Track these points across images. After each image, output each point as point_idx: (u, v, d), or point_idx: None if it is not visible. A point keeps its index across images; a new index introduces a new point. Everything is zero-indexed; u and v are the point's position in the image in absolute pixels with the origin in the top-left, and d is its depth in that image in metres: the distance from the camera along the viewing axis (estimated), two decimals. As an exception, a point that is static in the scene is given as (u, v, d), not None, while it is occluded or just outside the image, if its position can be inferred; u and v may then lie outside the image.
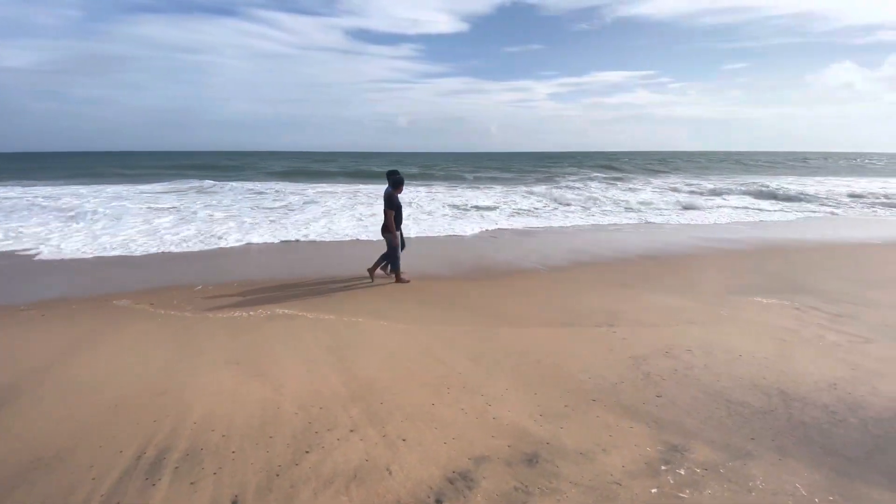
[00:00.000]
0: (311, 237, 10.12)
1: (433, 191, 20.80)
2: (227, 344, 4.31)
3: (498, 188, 22.53)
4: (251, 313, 5.18)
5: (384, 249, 6.79)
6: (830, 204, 16.89)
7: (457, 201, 16.62)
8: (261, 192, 19.39)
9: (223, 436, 2.81)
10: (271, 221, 11.90)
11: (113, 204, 14.74)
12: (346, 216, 12.87)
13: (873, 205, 16.74)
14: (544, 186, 23.18)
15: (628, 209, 15.39)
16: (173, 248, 8.90)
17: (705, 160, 57.54)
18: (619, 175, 33.51)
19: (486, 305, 5.57)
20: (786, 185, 22.59)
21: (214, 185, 22.24)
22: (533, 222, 12.53)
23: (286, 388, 3.42)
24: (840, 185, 24.11)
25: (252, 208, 14.43)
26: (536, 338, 4.45)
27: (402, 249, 6.83)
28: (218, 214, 13.04)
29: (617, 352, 4.12)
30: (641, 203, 16.95)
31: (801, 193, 19.30)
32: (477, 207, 15.18)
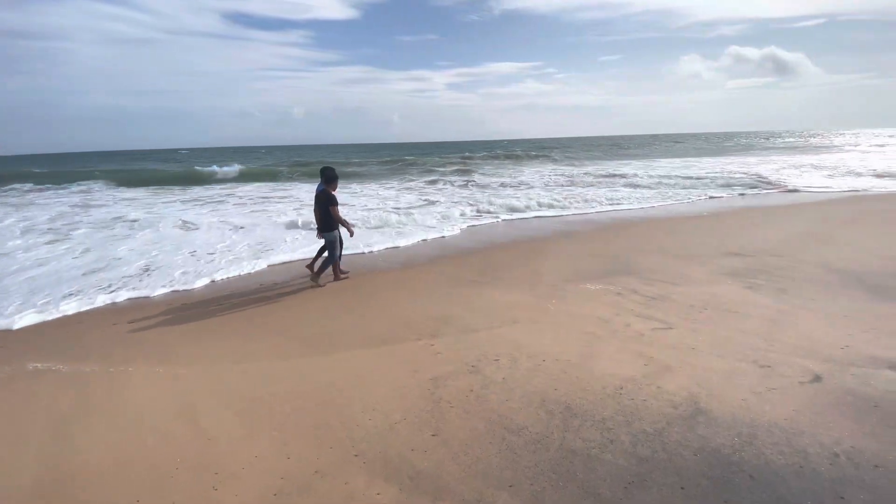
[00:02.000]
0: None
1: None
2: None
3: (373, 185, 21.64)
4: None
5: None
6: (668, 185, 18.41)
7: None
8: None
9: None
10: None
11: None
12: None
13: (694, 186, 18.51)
14: (423, 180, 22.77)
15: (516, 194, 15.46)
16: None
17: (588, 145, 61.28)
18: (504, 163, 34.27)
19: (306, 325, 4.83)
20: (637, 171, 24.43)
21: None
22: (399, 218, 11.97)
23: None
24: (690, 165, 26.67)
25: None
26: (339, 367, 3.81)
27: (341, 248, 6.59)
28: None
29: (421, 373, 3.61)
30: (522, 182, 17.17)
31: (649, 176, 20.89)
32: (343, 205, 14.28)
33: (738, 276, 6.13)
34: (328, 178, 6.30)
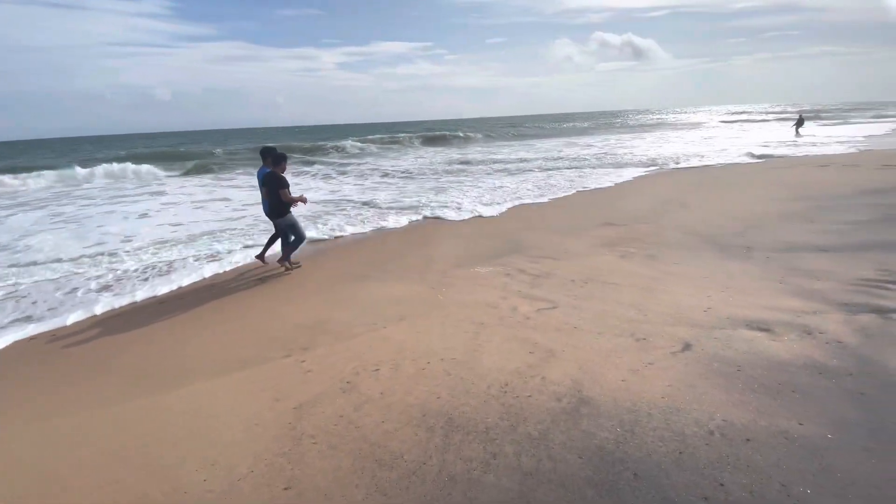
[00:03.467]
0: None
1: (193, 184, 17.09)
2: None
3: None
4: None
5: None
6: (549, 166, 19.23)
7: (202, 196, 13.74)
8: None
9: None
10: None
11: None
12: None
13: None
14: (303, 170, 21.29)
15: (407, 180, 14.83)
16: None
17: (485, 126, 62.16)
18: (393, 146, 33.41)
19: (146, 355, 3.89)
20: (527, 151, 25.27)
21: None
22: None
23: None
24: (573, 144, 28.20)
25: None
26: (178, 408, 3.02)
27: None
28: None
29: (284, 401, 2.98)
30: (406, 172, 16.65)
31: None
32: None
33: (612, 245, 6.30)
34: (276, 159, 5.84)
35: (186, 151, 29.25)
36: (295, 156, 24.73)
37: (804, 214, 7.01)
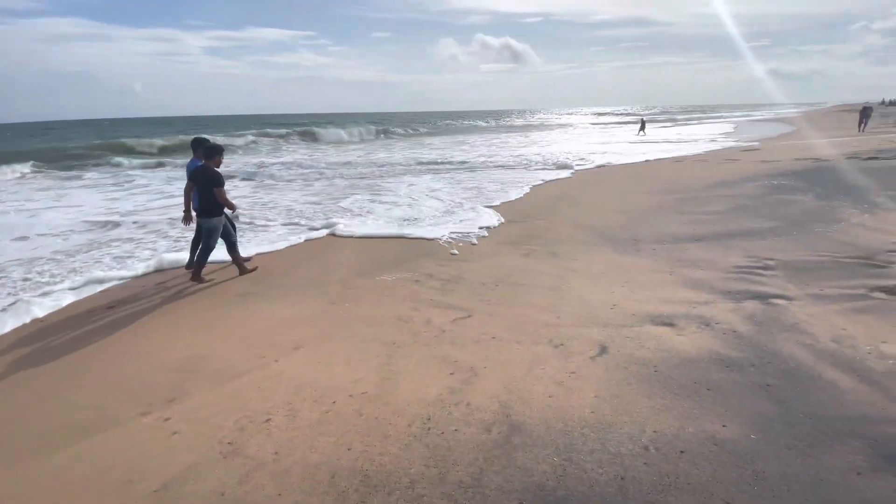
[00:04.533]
0: None
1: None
2: None
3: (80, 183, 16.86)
4: None
5: None
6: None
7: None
8: None
9: None
10: None
11: None
12: None
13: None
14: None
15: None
16: None
17: (377, 121, 60.44)
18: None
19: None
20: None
21: None
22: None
23: None
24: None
25: None
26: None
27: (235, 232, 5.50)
28: None
29: (138, 483, 2.21)
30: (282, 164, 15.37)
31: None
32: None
33: (515, 244, 6.25)
34: (208, 152, 5.12)
35: (20, 151, 23.22)
36: (137, 159, 21.55)
37: (674, 207, 7.71)
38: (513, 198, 9.48)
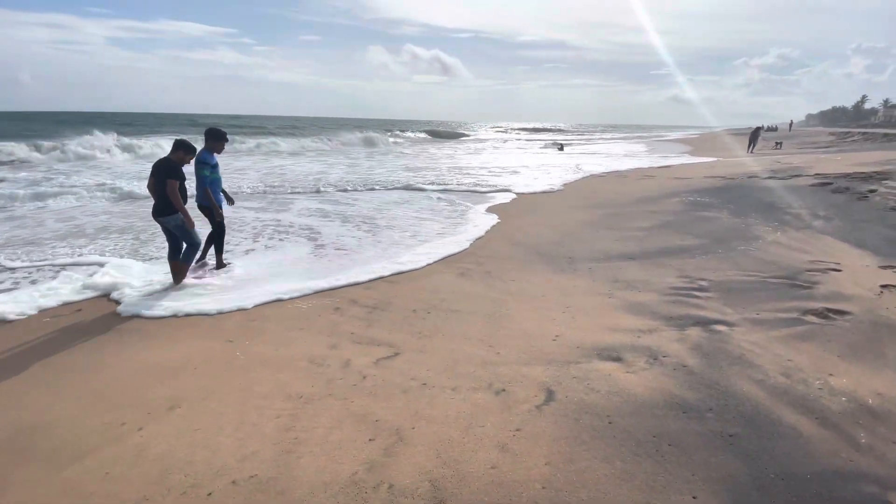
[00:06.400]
0: None
1: None
2: None
3: None
4: None
5: None
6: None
7: None
8: None
9: None
10: None
11: None
12: None
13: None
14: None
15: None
16: None
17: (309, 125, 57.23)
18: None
19: None
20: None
21: None
22: None
23: None
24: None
25: None
26: None
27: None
28: None
29: None
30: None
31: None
32: None
33: (449, 261, 5.77)
34: (217, 136, 5.21)
35: None
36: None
37: (603, 222, 7.68)
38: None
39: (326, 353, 3.46)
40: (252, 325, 4.02)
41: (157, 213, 4.63)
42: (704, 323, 3.64)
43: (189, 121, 54.80)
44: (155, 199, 4.62)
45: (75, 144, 19.66)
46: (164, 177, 4.49)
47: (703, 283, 4.53)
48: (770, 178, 10.76)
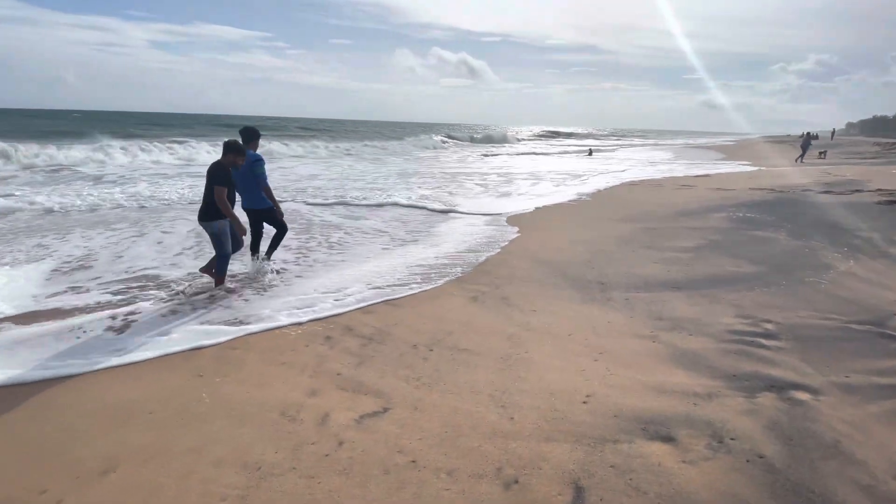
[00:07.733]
0: None
1: None
2: None
3: None
4: None
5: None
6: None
7: None
8: None
9: None
10: None
11: None
12: None
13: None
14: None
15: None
16: None
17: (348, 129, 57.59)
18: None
19: None
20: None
21: None
22: None
23: None
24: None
25: None
26: None
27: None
28: None
29: None
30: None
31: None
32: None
33: (460, 281, 5.09)
34: (251, 135, 4.98)
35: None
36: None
37: (639, 239, 6.84)
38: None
39: (303, 401, 2.84)
40: (231, 354, 3.46)
41: (200, 218, 4.61)
42: (780, 387, 2.84)
43: (217, 121, 55.52)
44: (202, 203, 4.55)
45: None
46: (212, 183, 4.41)
47: (769, 326, 3.70)
48: (826, 192, 9.65)
